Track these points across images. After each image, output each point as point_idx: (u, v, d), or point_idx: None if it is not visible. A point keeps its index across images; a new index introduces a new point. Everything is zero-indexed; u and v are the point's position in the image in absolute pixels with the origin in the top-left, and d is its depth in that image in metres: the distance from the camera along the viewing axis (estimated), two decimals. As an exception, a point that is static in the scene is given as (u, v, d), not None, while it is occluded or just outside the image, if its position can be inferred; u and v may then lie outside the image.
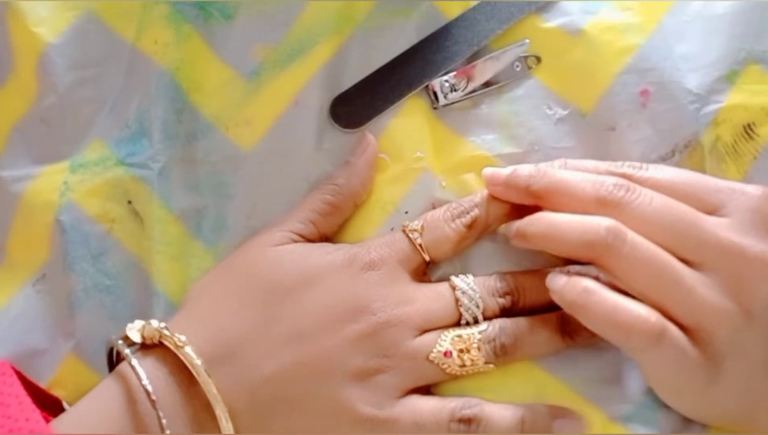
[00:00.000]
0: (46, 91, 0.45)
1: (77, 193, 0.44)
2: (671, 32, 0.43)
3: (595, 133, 0.43)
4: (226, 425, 0.37)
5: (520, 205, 0.41)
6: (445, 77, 0.44)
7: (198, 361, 0.38)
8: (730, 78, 0.43)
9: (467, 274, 0.41)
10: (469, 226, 0.41)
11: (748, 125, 0.42)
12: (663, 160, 0.42)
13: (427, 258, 0.41)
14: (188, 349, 0.38)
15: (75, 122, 0.45)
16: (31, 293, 0.44)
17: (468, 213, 0.41)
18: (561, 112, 0.43)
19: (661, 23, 0.44)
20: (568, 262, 0.41)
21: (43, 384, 0.43)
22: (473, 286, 0.41)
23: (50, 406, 0.42)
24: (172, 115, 0.44)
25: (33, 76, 0.45)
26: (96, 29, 0.45)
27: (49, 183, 0.44)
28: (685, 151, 0.42)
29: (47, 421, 0.39)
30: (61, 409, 0.42)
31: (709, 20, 0.43)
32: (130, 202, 0.44)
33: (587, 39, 0.43)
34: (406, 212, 0.43)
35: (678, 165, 0.42)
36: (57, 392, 0.43)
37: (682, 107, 0.43)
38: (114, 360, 0.41)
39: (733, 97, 0.43)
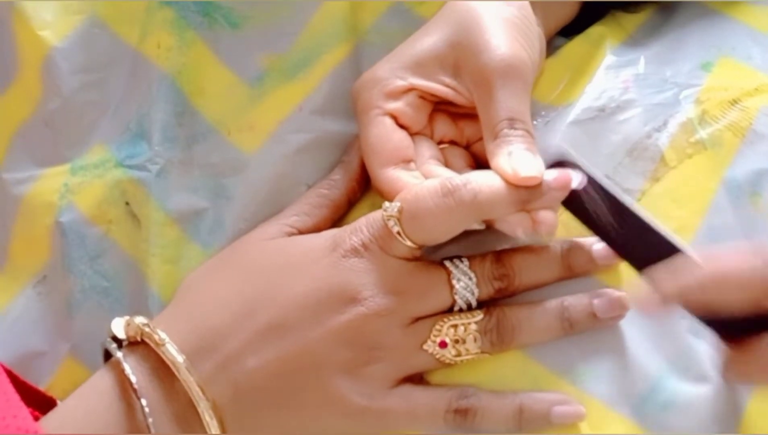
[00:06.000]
0: (50, 94, 0.45)
1: (77, 194, 0.44)
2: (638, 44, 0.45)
3: (586, 118, 0.43)
4: (209, 422, 0.37)
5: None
6: None
7: (180, 358, 0.37)
8: (704, 67, 0.44)
9: (462, 259, 0.39)
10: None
11: (734, 100, 0.42)
12: (657, 131, 0.42)
13: (410, 244, 0.38)
14: (169, 347, 0.37)
15: (78, 126, 0.45)
16: (32, 295, 0.44)
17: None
18: (551, 115, 0.43)
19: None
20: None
21: (42, 386, 0.43)
22: (470, 274, 0.39)
23: (48, 407, 0.42)
24: (172, 119, 0.44)
25: (37, 80, 0.45)
26: (100, 33, 0.45)
27: (50, 185, 0.44)
28: (675, 123, 0.42)
29: (38, 419, 0.38)
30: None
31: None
32: (127, 204, 0.44)
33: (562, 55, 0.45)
34: None
35: (671, 135, 0.42)
36: (56, 395, 0.43)
37: (661, 92, 0.43)
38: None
39: (710, 81, 0.43)
